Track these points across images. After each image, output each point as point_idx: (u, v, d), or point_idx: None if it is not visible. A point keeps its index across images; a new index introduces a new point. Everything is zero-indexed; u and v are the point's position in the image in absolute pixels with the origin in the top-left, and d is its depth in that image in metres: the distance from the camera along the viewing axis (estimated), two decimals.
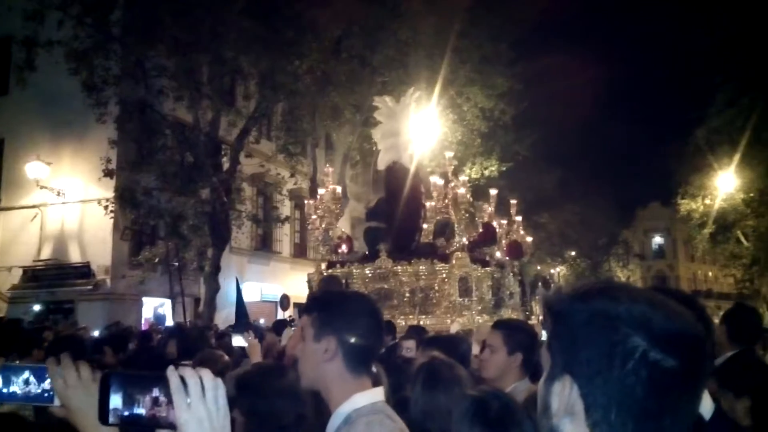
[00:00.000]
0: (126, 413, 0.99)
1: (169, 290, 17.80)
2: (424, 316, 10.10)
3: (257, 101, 16.89)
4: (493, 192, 13.62)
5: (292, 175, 19.25)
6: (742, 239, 26.24)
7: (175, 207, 15.74)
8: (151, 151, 15.42)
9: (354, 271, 10.82)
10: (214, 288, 16.27)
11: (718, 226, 26.61)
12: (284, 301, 19.07)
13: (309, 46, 15.58)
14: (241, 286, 21.46)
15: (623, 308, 0.83)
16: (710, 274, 60.27)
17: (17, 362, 1.30)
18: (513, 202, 14.91)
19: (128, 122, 15.28)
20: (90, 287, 17.88)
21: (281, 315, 18.50)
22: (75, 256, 18.58)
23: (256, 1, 14.71)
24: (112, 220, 16.75)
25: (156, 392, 1.00)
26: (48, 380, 1.21)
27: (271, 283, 22.56)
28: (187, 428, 0.97)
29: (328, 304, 1.86)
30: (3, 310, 17.58)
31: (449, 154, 12.69)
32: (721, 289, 54.58)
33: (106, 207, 16.05)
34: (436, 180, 11.84)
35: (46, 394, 1.20)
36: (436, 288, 10.47)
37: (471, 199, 11.91)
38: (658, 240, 61.48)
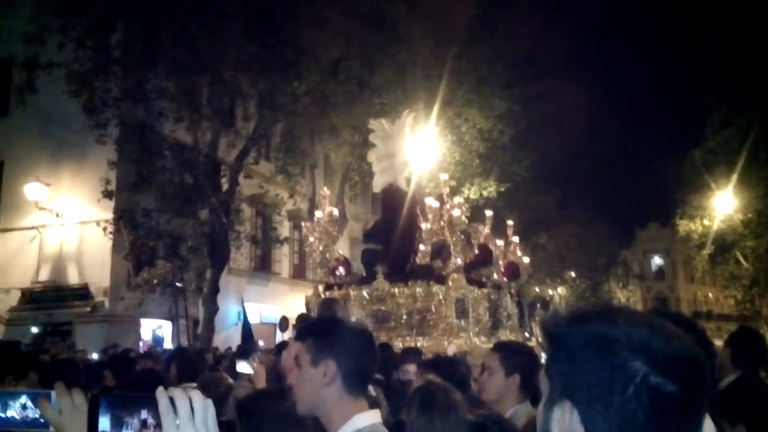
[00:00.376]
0: None
1: (168, 312, 17.73)
2: (421, 338, 10.08)
3: (256, 122, 16.99)
4: (489, 213, 13.68)
5: (291, 196, 19.29)
6: (742, 260, 26.21)
7: (174, 228, 15.74)
8: (151, 172, 15.47)
9: (351, 293, 10.81)
10: (212, 309, 16.21)
11: (717, 246, 26.62)
12: (283, 323, 18.98)
13: (308, 67, 15.72)
14: (242, 308, 21.44)
15: (622, 331, 0.82)
16: (710, 295, 60.12)
17: (13, 386, 1.29)
18: (510, 223, 14.94)
19: (128, 143, 15.35)
20: (88, 309, 17.80)
21: (280, 337, 18.40)
22: (73, 278, 18.52)
23: (255, 23, 14.86)
24: (111, 242, 16.73)
25: (144, 414, 0.99)
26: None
27: (270, 305, 22.48)
28: None
29: (323, 329, 1.88)
30: (0, 332, 17.46)
31: (444, 176, 12.76)
32: (721, 311, 54.43)
33: (105, 228, 16.04)
34: (432, 202, 11.90)
35: (42, 420, 1.18)
36: (433, 310, 10.44)
37: (467, 221, 11.94)
38: (657, 261, 61.44)
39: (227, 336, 19.82)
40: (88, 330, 17.22)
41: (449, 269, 10.92)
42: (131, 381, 5.26)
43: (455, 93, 20.41)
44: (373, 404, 2.61)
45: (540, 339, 0.99)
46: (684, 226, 27.92)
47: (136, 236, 16.12)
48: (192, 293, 16.94)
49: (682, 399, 0.80)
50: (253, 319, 21.71)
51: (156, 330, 19.21)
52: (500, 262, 13.23)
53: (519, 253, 14.60)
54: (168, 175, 15.78)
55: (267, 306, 22.40)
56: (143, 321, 18.60)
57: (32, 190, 18.56)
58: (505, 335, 11.12)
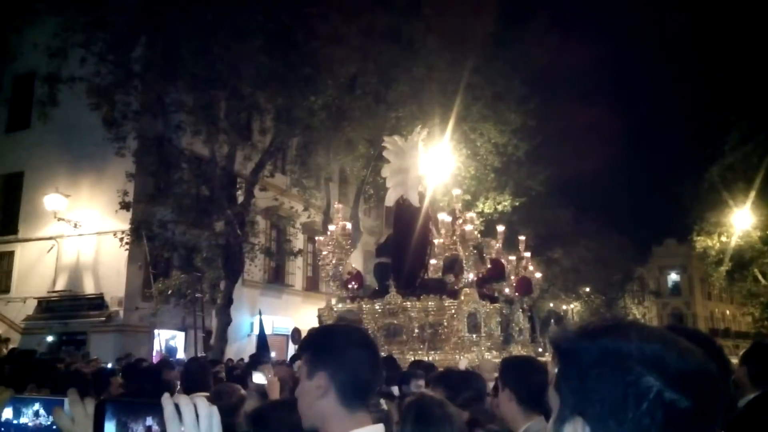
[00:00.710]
0: None
1: (181, 323, 17.81)
2: (432, 352, 10.03)
3: (273, 136, 17.12)
4: (501, 228, 13.67)
5: (306, 209, 19.36)
6: (760, 277, 25.86)
7: (189, 239, 15.85)
8: (168, 184, 15.62)
9: (364, 306, 10.81)
10: (225, 321, 16.25)
11: (734, 263, 26.29)
12: (296, 335, 18.94)
13: (325, 82, 15.84)
14: (254, 320, 21.48)
15: (634, 346, 0.81)
16: (728, 312, 59.28)
17: (27, 394, 1.29)
18: (522, 238, 14.89)
19: (146, 156, 15.52)
20: (103, 319, 17.93)
21: (292, 349, 18.39)
22: (89, 288, 18.69)
23: (273, 38, 15.02)
24: (127, 252, 16.87)
25: (149, 421, 0.99)
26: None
27: (283, 317, 22.50)
28: None
29: (318, 341, 1.86)
30: (16, 341, 17.64)
31: (457, 191, 12.78)
32: (739, 328, 53.59)
33: (121, 239, 16.18)
34: (444, 217, 11.87)
35: (54, 427, 1.18)
36: (445, 324, 10.41)
37: (479, 236, 11.92)
38: (673, 277, 60.70)
39: (240, 347, 19.85)
40: (103, 339, 17.34)
41: (461, 283, 10.88)
42: (140, 389, 5.31)
43: (471, 108, 20.41)
44: (384, 418, 2.61)
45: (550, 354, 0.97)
46: (701, 242, 27.62)
47: (152, 247, 16.25)
48: (206, 304, 17.02)
49: (696, 415, 0.79)
50: (266, 330, 21.82)
51: (169, 340, 19.29)
52: (512, 277, 13.18)
53: (531, 268, 14.54)
54: (185, 187, 15.93)
55: (280, 318, 22.42)
56: (157, 331, 18.69)
57: (51, 200, 18.82)
58: (517, 350, 11.06)
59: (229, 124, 15.86)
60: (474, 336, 10.39)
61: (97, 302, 18.27)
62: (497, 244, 13.00)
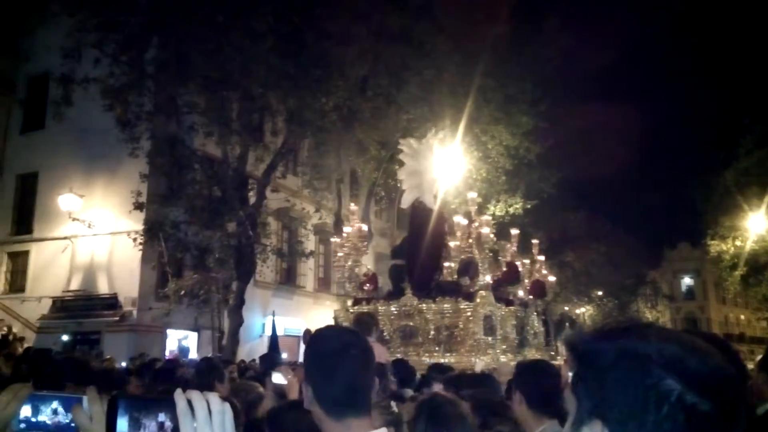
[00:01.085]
0: None
1: (194, 323, 17.90)
2: (448, 354, 10.02)
3: (284, 137, 17.18)
4: (515, 232, 13.65)
5: (317, 210, 19.40)
6: None
7: (201, 240, 15.93)
8: (181, 185, 15.71)
9: (379, 308, 10.82)
10: (237, 321, 16.30)
11: (749, 268, 26.03)
12: (307, 336, 18.99)
13: (336, 84, 15.87)
14: (270, 321, 21.49)
15: (653, 348, 0.80)
16: (742, 317, 58.62)
17: (45, 391, 1.29)
18: (535, 241, 14.85)
19: (159, 157, 15.63)
20: (116, 318, 18.07)
21: (303, 350, 18.43)
22: (103, 288, 18.84)
23: (284, 40, 15.08)
24: (140, 252, 16.98)
25: (162, 417, 0.99)
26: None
27: (295, 317, 22.55)
28: None
29: (306, 350, 1.85)
30: (31, 339, 17.80)
31: (472, 194, 12.79)
32: (754, 333, 52.97)
33: (135, 239, 16.30)
34: (460, 219, 11.89)
35: (72, 425, 1.18)
36: (461, 326, 10.41)
37: (495, 238, 11.91)
38: (687, 281, 60.18)
39: (252, 348, 19.91)
40: (116, 339, 17.47)
41: (477, 286, 10.88)
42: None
43: (482, 110, 20.36)
44: (393, 422, 2.60)
45: (566, 357, 0.93)
46: (715, 246, 27.38)
47: (166, 247, 16.35)
48: (218, 305, 17.09)
49: (717, 418, 0.77)
50: (277, 331, 21.88)
51: (182, 340, 19.39)
52: (526, 281, 13.15)
53: (545, 271, 14.50)
54: (197, 187, 16.01)
55: (291, 319, 22.48)
56: (169, 331, 18.79)
57: (66, 201, 18.99)
58: (532, 353, 11.03)
59: (241, 125, 15.93)
60: (490, 339, 10.39)
61: (111, 302, 18.42)
62: (512, 247, 13.00)
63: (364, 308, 10.83)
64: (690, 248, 52.83)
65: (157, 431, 0.98)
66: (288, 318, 22.44)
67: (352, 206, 13.80)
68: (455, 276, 11.95)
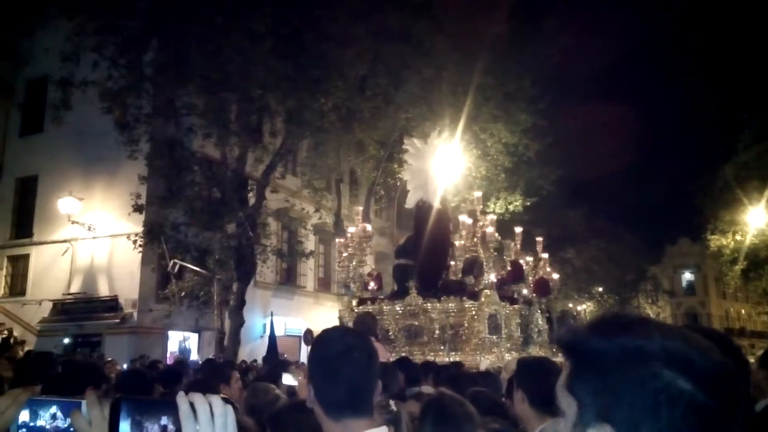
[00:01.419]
0: None
1: (195, 324, 17.90)
2: (453, 353, 10.04)
3: (283, 138, 17.17)
4: (518, 230, 13.67)
5: (317, 210, 19.40)
6: None
7: (201, 241, 15.93)
8: (180, 186, 15.71)
9: (384, 308, 10.84)
10: (238, 322, 16.31)
11: (749, 262, 26.06)
12: (308, 336, 18.98)
13: (334, 83, 15.87)
14: (267, 321, 21.45)
15: (657, 345, 0.78)
16: (743, 311, 58.69)
17: (43, 396, 1.27)
18: (539, 239, 14.86)
19: (158, 159, 15.63)
20: (117, 321, 18.06)
21: (305, 350, 18.43)
22: (103, 290, 18.84)
23: (283, 41, 15.07)
24: (140, 255, 16.98)
25: (164, 420, 0.99)
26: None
27: (295, 318, 22.56)
28: None
29: (310, 351, 1.88)
30: (32, 343, 17.80)
31: (477, 193, 12.84)
32: (754, 327, 53.06)
33: (134, 242, 16.30)
34: (465, 219, 11.93)
35: (71, 430, 1.16)
36: (466, 325, 10.44)
37: (499, 237, 11.94)
38: (688, 276, 60.20)
39: (253, 348, 19.91)
40: (117, 341, 17.47)
41: (481, 285, 10.90)
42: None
43: (481, 108, 20.36)
44: (393, 420, 2.60)
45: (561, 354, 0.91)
46: (715, 241, 27.39)
47: (166, 249, 16.35)
48: (218, 306, 17.10)
49: (721, 414, 0.77)
50: (278, 332, 21.86)
51: (183, 342, 19.40)
52: (530, 279, 13.17)
53: (549, 269, 14.52)
54: (196, 189, 16.02)
55: (292, 319, 22.49)
56: (170, 333, 18.80)
57: (65, 204, 18.99)
58: (536, 351, 11.06)
59: (240, 126, 15.93)
60: (494, 337, 10.43)
61: (112, 304, 18.42)
62: (516, 246, 13.03)
63: (369, 308, 10.84)
64: (690, 243, 52.84)
65: None
66: (288, 318, 22.45)
67: (357, 207, 13.87)
68: (460, 275, 11.98)
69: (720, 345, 0.84)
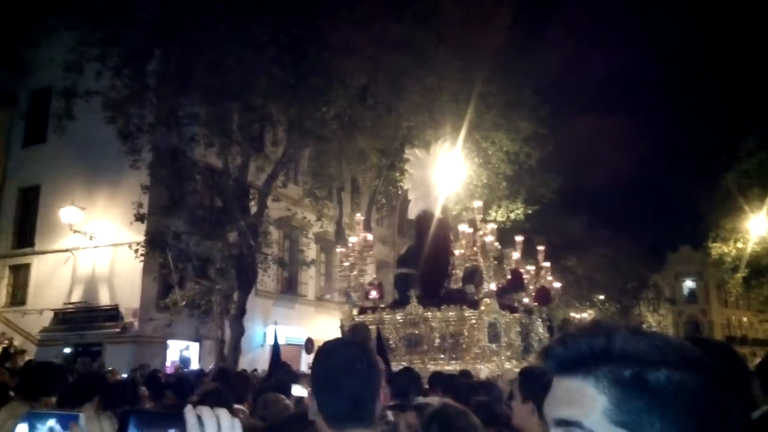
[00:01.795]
0: None
1: (195, 333, 17.88)
2: (453, 362, 10.06)
3: (285, 147, 17.22)
4: (519, 239, 13.70)
5: (318, 219, 19.42)
6: None
7: (203, 250, 15.94)
8: (182, 196, 15.73)
9: (385, 316, 10.86)
10: (239, 331, 16.28)
11: (751, 270, 26.01)
12: (309, 345, 18.99)
13: (336, 93, 15.92)
14: (267, 330, 21.42)
15: (633, 348, 0.78)
16: (745, 319, 58.49)
17: (44, 408, 1.27)
18: (540, 248, 14.87)
19: (160, 168, 15.65)
20: (118, 330, 18.04)
21: (306, 358, 18.39)
22: (104, 299, 18.82)
23: (285, 50, 15.14)
24: (141, 264, 16.98)
25: None
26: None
27: (296, 326, 22.52)
28: None
29: (313, 362, 1.88)
30: (32, 352, 17.77)
31: (478, 203, 12.88)
32: (756, 335, 52.88)
33: (136, 251, 16.30)
34: (465, 228, 12.00)
35: None
36: (466, 334, 10.49)
37: (499, 246, 11.99)
38: (689, 284, 60.02)
39: (253, 357, 19.87)
40: (118, 350, 17.44)
41: (482, 294, 10.93)
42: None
43: (483, 117, 20.40)
44: (390, 431, 2.60)
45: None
46: (717, 249, 27.36)
47: (167, 258, 16.36)
48: (219, 314, 17.09)
49: (717, 394, 0.78)
50: (280, 341, 21.82)
51: (183, 351, 19.36)
52: (531, 287, 13.18)
53: (550, 277, 14.53)
54: (198, 198, 16.05)
55: (293, 328, 22.45)
56: (171, 342, 18.77)
57: (67, 213, 19.01)
58: (536, 360, 11.02)
59: (242, 135, 15.97)
60: (494, 346, 10.47)
61: (112, 313, 18.40)
62: (516, 255, 13.07)
63: (370, 317, 10.91)
64: (692, 251, 52.72)
65: None
66: (290, 327, 22.40)
67: (358, 216, 13.87)
68: (460, 284, 12.01)
69: (722, 355, 0.85)
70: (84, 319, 18.57)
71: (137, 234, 16.75)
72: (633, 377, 0.78)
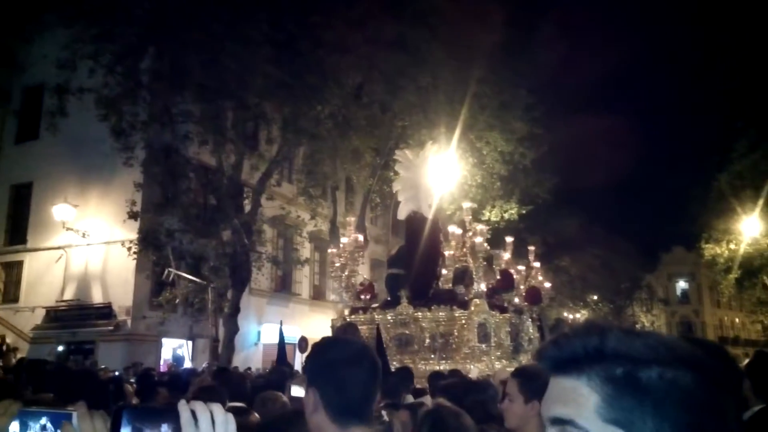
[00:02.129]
0: None
1: (189, 331, 17.84)
2: (443, 362, 10.11)
3: (279, 145, 17.19)
4: (509, 240, 13.78)
5: (313, 218, 19.41)
6: None
7: (196, 249, 15.90)
8: (175, 193, 15.69)
9: (376, 316, 10.89)
10: (232, 329, 16.26)
11: (743, 271, 26.14)
12: (302, 344, 18.93)
13: (331, 91, 15.91)
14: (262, 329, 21.42)
15: (625, 348, 0.78)
16: (737, 320, 58.82)
17: (34, 407, 1.27)
18: (531, 248, 14.95)
19: (154, 166, 15.60)
20: (111, 328, 17.98)
21: (299, 357, 18.37)
22: (97, 297, 18.76)
23: (280, 48, 15.11)
24: (134, 262, 16.93)
25: (165, 427, 0.99)
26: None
27: (290, 325, 22.48)
28: None
29: (312, 356, 1.86)
30: (25, 350, 17.69)
31: (467, 204, 12.92)
32: (748, 336, 53.14)
33: (129, 249, 16.25)
34: (454, 229, 12.06)
35: None
36: (456, 334, 10.57)
37: (488, 247, 12.06)
38: (682, 285, 60.30)
39: (247, 356, 19.86)
40: (111, 348, 17.38)
41: (471, 294, 10.98)
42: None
43: (477, 117, 20.41)
44: (386, 431, 2.59)
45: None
46: (710, 250, 27.49)
47: (161, 256, 16.31)
48: (213, 313, 17.07)
49: (715, 389, 0.78)
50: (272, 339, 21.78)
51: (176, 349, 19.31)
52: (521, 287, 13.23)
53: (540, 278, 14.60)
54: (192, 196, 16.01)
55: (287, 326, 22.34)
56: (164, 340, 18.72)
57: (60, 211, 18.93)
58: (526, 359, 11.11)
59: (236, 133, 15.95)
60: (484, 346, 10.53)
61: (105, 311, 18.34)
62: (507, 255, 13.13)
63: (361, 317, 10.97)
64: (685, 252, 52.94)
65: None
66: (284, 326, 22.36)
67: (350, 218, 13.93)
68: (450, 285, 12.06)
69: (714, 355, 0.84)
70: (77, 316, 18.51)
71: (130, 232, 16.70)
72: (624, 375, 0.78)
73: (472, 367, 9.52)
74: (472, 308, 10.65)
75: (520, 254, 15.85)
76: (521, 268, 13.76)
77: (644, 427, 0.76)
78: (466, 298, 11.09)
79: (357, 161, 19.22)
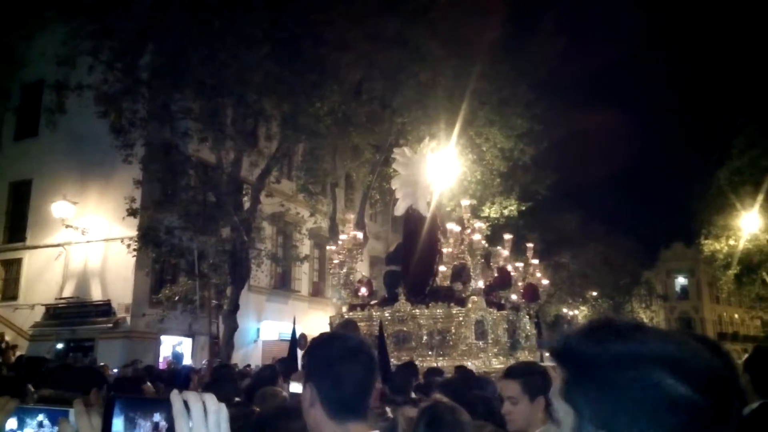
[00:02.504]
0: None
1: (188, 329, 17.84)
2: (441, 358, 10.15)
3: (279, 142, 17.17)
4: (508, 237, 13.79)
5: (312, 215, 19.39)
6: None
7: (196, 246, 15.90)
8: (175, 190, 15.68)
9: (374, 313, 10.92)
10: (232, 327, 16.26)
11: (743, 267, 26.19)
12: (302, 341, 18.92)
13: (330, 88, 15.88)
14: (261, 326, 21.42)
15: (652, 350, 0.78)
16: (736, 316, 58.89)
17: (32, 404, 1.27)
18: (529, 245, 14.96)
19: (153, 163, 15.58)
20: (110, 325, 17.98)
21: (298, 354, 18.39)
22: (96, 294, 18.75)
23: (279, 45, 15.08)
24: (134, 259, 16.92)
25: (157, 417, 1.00)
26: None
27: (289, 322, 22.45)
28: None
29: (310, 351, 1.85)
30: (24, 347, 17.71)
31: (465, 202, 12.92)
32: (747, 332, 53.26)
33: (128, 246, 16.24)
34: (453, 227, 12.06)
35: None
36: (453, 331, 10.62)
37: (486, 245, 12.09)
38: (681, 281, 60.37)
39: (246, 353, 19.89)
40: (110, 346, 17.39)
41: (469, 291, 11.01)
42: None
43: (477, 113, 20.37)
44: (389, 427, 2.59)
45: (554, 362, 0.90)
46: (709, 246, 27.53)
47: (159, 253, 16.31)
48: (212, 310, 17.07)
49: (720, 416, 0.77)
50: (272, 336, 21.81)
51: (176, 346, 19.33)
52: (519, 284, 13.24)
53: (539, 274, 14.61)
54: (191, 193, 15.98)
55: (286, 324, 22.40)
56: (164, 338, 18.73)
57: (59, 208, 18.91)
58: (524, 356, 11.16)
59: (236, 130, 15.92)
60: (481, 343, 10.56)
61: (105, 309, 18.33)
62: (505, 252, 13.14)
63: (359, 314, 10.99)
64: (684, 248, 53.04)
65: (152, 430, 0.99)
66: (282, 323, 22.39)
67: (349, 215, 13.92)
68: (448, 282, 12.09)
69: (710, 350, 0.84)
70: (76, 314, 18.51)
71: (130, 229, 16.68)
72: (615, 379, 0.79)
73: (469, 364, 9.56)
74: (470, 305, 10.70)
75: (518, 251, 15.86)
76: (519, 265, 13.76)
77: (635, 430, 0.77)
78: (463, 295, 11.12)
79: (356, 158, 19.20)
